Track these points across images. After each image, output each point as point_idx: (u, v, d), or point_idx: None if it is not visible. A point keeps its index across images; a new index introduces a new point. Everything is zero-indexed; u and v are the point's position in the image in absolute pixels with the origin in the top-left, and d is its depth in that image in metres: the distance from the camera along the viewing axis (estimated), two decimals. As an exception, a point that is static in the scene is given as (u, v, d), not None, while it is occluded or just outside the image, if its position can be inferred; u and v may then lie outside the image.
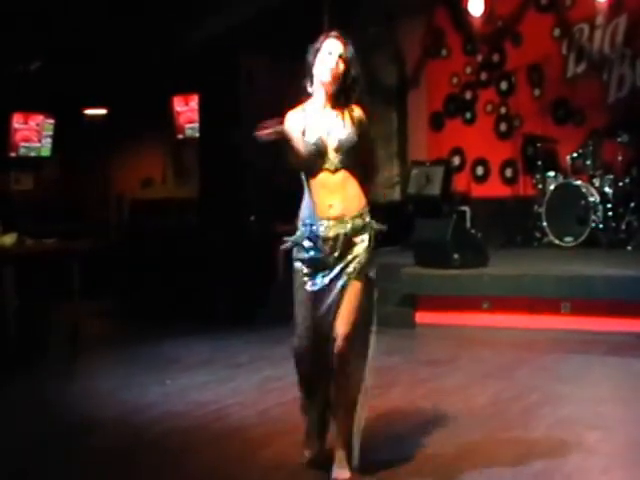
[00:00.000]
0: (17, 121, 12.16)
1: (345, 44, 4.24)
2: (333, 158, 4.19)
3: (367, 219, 4.28)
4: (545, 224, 10.08)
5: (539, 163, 10.46)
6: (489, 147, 11.69)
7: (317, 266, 4.21)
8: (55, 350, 8.12)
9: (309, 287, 4.22)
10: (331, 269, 4.20)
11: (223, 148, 9.48)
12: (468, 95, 11.94)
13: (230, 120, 9.45)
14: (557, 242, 9.95)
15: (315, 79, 4.25)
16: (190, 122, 12.95)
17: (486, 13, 11.29)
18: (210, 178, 9.71)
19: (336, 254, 4.19)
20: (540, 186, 10.41)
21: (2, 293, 7.67)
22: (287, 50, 11.33)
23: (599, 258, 8.84)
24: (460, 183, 11.63)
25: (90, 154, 13.49)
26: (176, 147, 13.73)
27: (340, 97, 4.24)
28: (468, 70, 11.91)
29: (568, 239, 9.87)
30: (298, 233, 4.27)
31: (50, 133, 12.72)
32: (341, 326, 4.17)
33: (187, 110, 13.12)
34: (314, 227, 4.19)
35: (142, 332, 8.74)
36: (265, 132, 4.35)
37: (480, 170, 11.82)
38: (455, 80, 12.01)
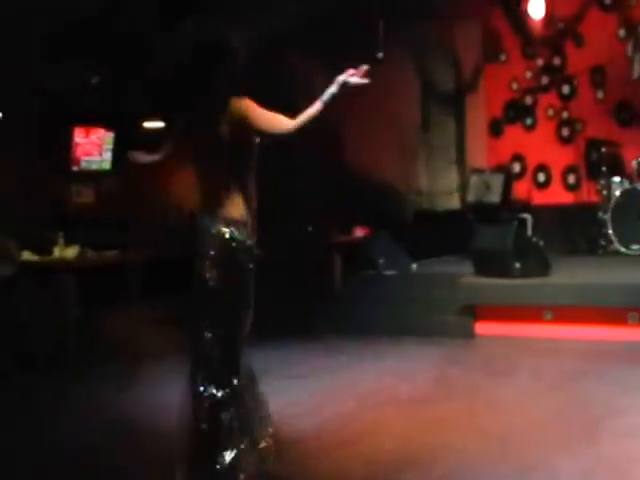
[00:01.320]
0: (78, 135, 12.29)
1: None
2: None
3: None
4: (610, 231, 9.86)
5: (603, 168, 10.25)
6: (551, 153, 11.51)
7: None
8: (114, 359, 8.18)
9: None
10: None
11: (279, 157, 9.45)
12: (528, 100, 11.78)
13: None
14: (623, 250, 9.73)
15: None
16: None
17: (546, 15, 11.11)
18: (266, 188, 9.68)
19: None
20: (604, 192, 10.19)
21: (64, 304, 7.77)
22: (342, 56, 11.39)
23: (667, 266, 8.63)
24: (521, 190, 11.47)
25: (149, 167, 13.56)
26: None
27: None
28: (528, 74, 11.76)
29: (635, 247, 9.65)
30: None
31: (110, 146, 12.83)
32: None
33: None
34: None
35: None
36: (140, 158, 4.49)
37: (541, 176, 11.64)
38: (515, 85, 11.85)
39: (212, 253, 4.15)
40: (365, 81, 4.09)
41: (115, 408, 6.13)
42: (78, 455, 5.02)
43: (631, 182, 9.92)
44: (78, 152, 12.30)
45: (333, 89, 4.06)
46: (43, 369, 7.50)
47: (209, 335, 4.17)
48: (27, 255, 8.14)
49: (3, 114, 10.43)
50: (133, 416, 5.87)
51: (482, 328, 8.35)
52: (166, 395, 6.39)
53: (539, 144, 11.62)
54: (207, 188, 4.20)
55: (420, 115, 12.41)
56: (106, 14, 9.42)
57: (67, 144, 12.09)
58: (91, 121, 12.26)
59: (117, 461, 4.91)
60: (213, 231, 4.14)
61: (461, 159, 12.30)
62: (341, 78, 4.07)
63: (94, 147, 12.45)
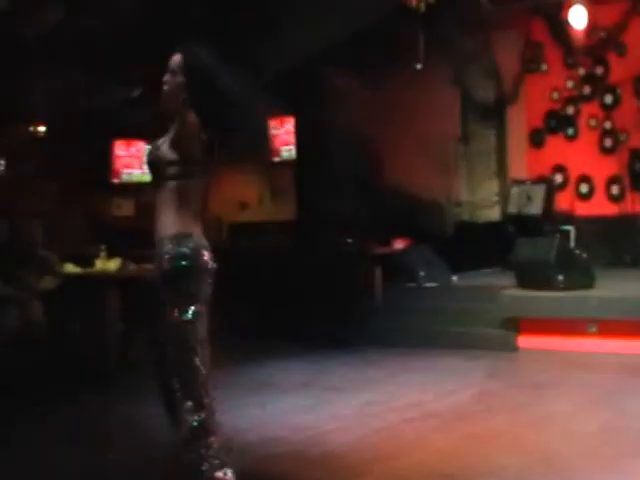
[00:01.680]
0: (119, 148, 12.41)
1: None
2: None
3: None
4: (655, 242, 9.74)
5: (647, 179, 10.14)
6: (593, 163, 11.38)
7: None
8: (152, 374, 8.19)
9: None
10: None
11: (318, 170, 9.46)
12: (570, 110, 11.66)
13: (326, 140, 9.43)
14: (668, 261, 9.59)
15: None
16: (285, 144, 13.00)
17: (588, 24, 10.99)
18: (306, 200, 9.70)
19: None
20: (648, 203, 10.08)
21: (107, 317, 7.81)
22: (383, 69, 11.41)
23: None
24: (563, 201, 11.34)
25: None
26: (272, 169, 13.80)
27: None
28: (569, 84, 11.64)
29: (680, 258, 9.51)
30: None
31: (149, 159, 12.94)
32: None
33: (282, 132, 13.17)
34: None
35: (239, 355, 8.74)
36: None
37: (584, 188, 11.50)
38: (556, 95, 11.74)
39: (163, 272, 3.98)
40: None
41: (153, 421, 6.12)
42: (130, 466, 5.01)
43: (676, 193, 9.79)
44: (119, 165, 12.42)
45: None
46: (90, 382, 7.55)
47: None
48: (70, 268, 8.20)
49: (47, 128, 10.58)
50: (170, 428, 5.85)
51: (525, 341, 8.28)
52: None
53: (581, 155, 11.50)
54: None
55: (460, 126, 12.36)
56: (146, 27, 9.50)
57: (108, 157, 12.21)
58: (131, 134, 12.36)
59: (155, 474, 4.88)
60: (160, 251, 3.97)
61: (502, 170, 12.21)
62: None
63: (134, 160, 12.55)
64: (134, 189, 12.74)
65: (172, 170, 3.96)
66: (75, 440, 5.60)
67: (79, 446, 5.41)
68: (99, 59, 10.03)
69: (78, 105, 10.83)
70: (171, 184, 3.96)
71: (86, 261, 8.31)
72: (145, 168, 4.32)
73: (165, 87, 4.16)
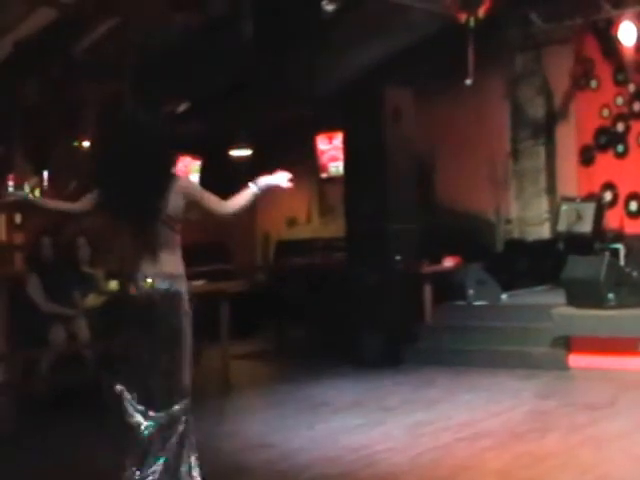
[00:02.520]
0: (167, 163, 12.55)
1: None
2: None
3: None
4: None
5: (697, 196, 10.01)
6: (643, 181, 11.25)
7: None
8: (203, 392, 8.23)
9: None
10: None
11: (368, 186, 9.46)
12: (620, 127, 11.54)
13: (376, 157, 9.44)
14: None
15: None
16: (334, 160, 13.03)
17: (638, 40, 10.91)
18: (355, 217, 9.69)
19: None
20: (698, 220, 9.94)
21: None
22: (433, 86, 11.42)
23: None
24: (613, 219, 11.21)
25: (236, 195, 13.75)
26: (320, 185, 13.84)
27: None
28: (619, 101, 11.53)
29: None
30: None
31: (197, 174, 13.05)
32: None
33: (331, 148, 13.21)
34: None
35: (290, 374, 8.77)
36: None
37: (634, 205, 11.37)
38: (606, 112, 11.64)
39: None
40: (287, 186, 4.60)
41: (204, 442, 6.15)
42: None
43: None
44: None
45: (256, 189, 4.53)
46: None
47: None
48: (114, 285, 8.28)
49: (91, 144, 10.69)
50: (221, 450, 5.88)
51: (576, 360, 8.21)
52: (253, 429, 6.48)
53: (631, 172, 11.36)
54: None
55: (510, 143, 12.32)
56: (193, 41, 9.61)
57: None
58: (178, 149, 12.46)
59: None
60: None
61: (551, 188, 12.12)
62: (265, 181, 4.55)
63: (181, 174, 12.68)
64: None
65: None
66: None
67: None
68: (147, 72, 10.16)
69: (126, 121, 10.95)
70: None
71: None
72: None
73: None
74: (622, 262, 10.11)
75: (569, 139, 11.93)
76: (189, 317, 4.47)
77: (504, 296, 9.69)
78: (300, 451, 5.67)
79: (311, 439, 5.98)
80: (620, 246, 10.55)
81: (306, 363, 9.33)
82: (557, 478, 4.83)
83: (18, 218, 10.30)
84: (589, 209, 10.82)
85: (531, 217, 12.03)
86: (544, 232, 11.95)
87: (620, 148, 11.54)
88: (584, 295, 8.37)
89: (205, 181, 13.35)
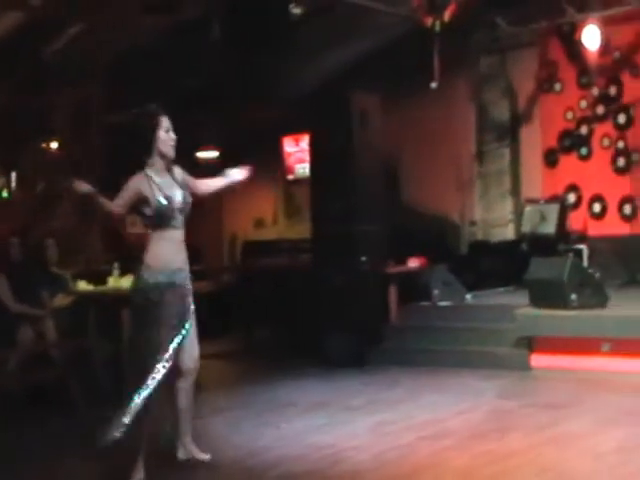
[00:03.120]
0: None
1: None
2: (178, 217, 5.07)
3: None
4: (667, 262, 9.75)
5: (660, 199, 10.15)
6: (606, 183, 11.42)
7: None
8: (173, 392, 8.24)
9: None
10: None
11: (335, 188, 9.51)
12: (584, 130, 11.72)
13: (342, 159, 9.49)
14: (681, 281, 9.61)
15: (157, 150, 5.08)
16: (301, 162, 13.08)
17: (602, 44, 11.07)
18: (321, 219, 9.73)
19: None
20: (661, 223, 10.09)
21: (121, 335, 7.86)
22: (398, 89, 11.50)
23: None
24: (576, 221, 11.35)
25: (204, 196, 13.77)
26: (287, 187, 13.88)
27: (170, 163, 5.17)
28: (583, 104, 11.71)
29: (693, 278, 9.51)
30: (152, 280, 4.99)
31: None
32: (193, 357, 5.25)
33: (298, 150, 13.26)
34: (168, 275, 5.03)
35: (256, 374, 8.79)
36: (81, 188, 4.81)
37: (597, 207, 11.55)
38: (570, 115, 11.80)
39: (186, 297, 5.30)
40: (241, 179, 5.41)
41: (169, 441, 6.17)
42: None
43: (688, 212, 9.81)
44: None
45: (226, 180, 5.44)
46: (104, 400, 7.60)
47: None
48: (82, 285, 8.27)
49: (67, 150, 10.67)
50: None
51: (538, 360, 8.27)
52: (219, 428, 6.51)
53: (594, 174, 11.54)
54: None
55: (475, 145, 12.44)
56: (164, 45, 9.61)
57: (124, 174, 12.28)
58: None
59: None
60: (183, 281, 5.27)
61: (516, 189, 12.26)
62: (231, 175, 5.42)
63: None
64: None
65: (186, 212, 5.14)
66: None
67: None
68: (116, 74, 10.14)
69: (95, 121, 10.93)
70: (182, 224, 5.12)
71: (99, 279, 8.38)
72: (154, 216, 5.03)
73: (170, 142, 5.13)
74: (585, 263, 10.24)
75: (533, 141, 12.08)
76: None
77: (468, 297, 9.75)
78: (266, 450, 5.69)
79: (277, 438, 6.01)
80: (583, 247, 10.68)
81: (272, 363, 9.35)
82: (518, 476, 4.89)
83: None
84: (553, 211, 10.95)
85: (495, 219, 12.17)
86: (508, 233, 12.09)
87: (584, 151, 11.71)
88: (547, 296, 8.43)
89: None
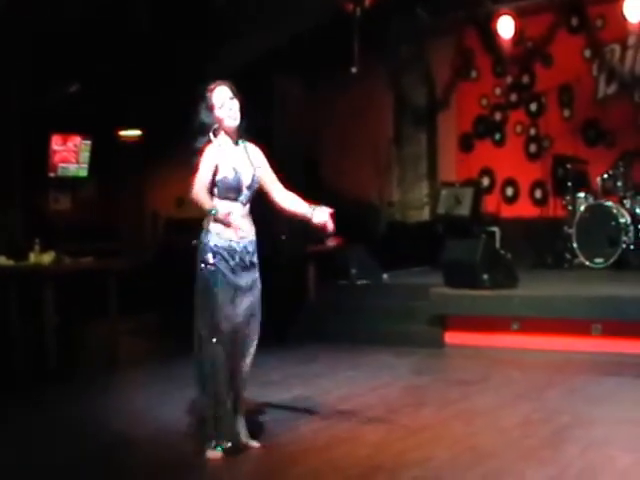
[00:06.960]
0: (56, 142, 12.38)
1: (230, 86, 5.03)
2: (245, 193, 5.04)
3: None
4: (575, 245, 10.04)
5: (569, 184, 10.41)
6: (519, 168, 11.75)
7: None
8: (92, 367, 8.27)
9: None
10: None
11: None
12: (498, 116, 12.03)
13: (262, 141, 9.56)
14: (587, 263, 9.91)
15: (221, 128, 5.00)
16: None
17: (516, 35, 11.37)
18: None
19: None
20: (570, 207, 10.39)
21: (42, 311, 7.83)
22: (319, 74, 11.61)
23: (630, 279, 8.81)
24: (490, 204, 11.69)
25: (125, 174, 13.72)
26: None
27: (239, 135, 5.08)
28: (497, 91, 12.01)
29: (599, 260, 9.82)
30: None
31: (87, 154, 12.93)
32: (255, 329, 5.34)
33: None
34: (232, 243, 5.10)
35: (176, 350, 8.81)
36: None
37: (510, 191, 11.88)
38: (485, 101, 12.10)
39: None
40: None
41: (91, 417, 6.22)
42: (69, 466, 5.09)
43: (595, 198, 10.12)
44: (55, 159, 12.39)
45: (306, 214, 5.54)
46: (25, 378, 7.58)
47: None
48: (2, 260, 8.19)
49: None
50: (108, 424, 5.96)
51: (451, 338, 8.50)
52: (140, 403, 6.56)
53: (508, 159, 11.86)
54: None
55: (393, 130, 12.62)
56: (85, 25, 9.53)
57: (45, 151, 12.16)
58: (68, 128, 12.34)
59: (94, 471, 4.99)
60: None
61: (432, 173, 12.50)
62: (315, 212, 5.48)
63: (71, 154, 12.54)
64: (70, 183, 12.73)
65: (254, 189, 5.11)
66: (11, 441, 5.64)
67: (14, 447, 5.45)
68: (36, 54, 10.01)
69: (14, 100, 10.76)
70: (248, 199, 5.13)
71: (20, 254, 8.32)
72: (245, 190, 5.07)
73: (233, 109, 5.00)
74: (498, 245, 10.57)
75: (449, 127, 12.33)
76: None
77: (385, 276, 9.90)
78: (182, 425, 5.70)
79: (194, 414, 6.07)
80: (496, 229, 11.03)
81: (191, 339, 9.37)
82: (429, 449, 5.03)
83: None
84: (468, 194, 11.26)
85: (412, 201, 12.41)
86: (424, 215, 12.34)
87: (497, 136, 12.03)
88: (461, 276, 8.59)
89: (95, 161, 13.28)
